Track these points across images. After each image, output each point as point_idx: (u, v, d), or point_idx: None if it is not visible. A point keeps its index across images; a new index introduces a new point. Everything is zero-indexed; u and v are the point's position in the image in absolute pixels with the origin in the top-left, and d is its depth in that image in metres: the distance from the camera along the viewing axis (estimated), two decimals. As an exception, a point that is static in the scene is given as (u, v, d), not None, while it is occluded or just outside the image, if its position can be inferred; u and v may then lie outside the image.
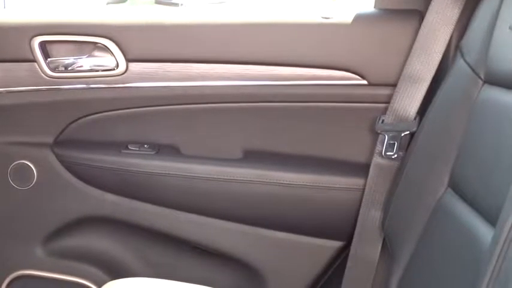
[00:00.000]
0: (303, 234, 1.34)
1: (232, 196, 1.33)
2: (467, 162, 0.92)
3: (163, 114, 1.35)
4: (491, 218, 0.77)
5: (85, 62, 1.33)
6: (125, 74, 1.32)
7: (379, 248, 1.24)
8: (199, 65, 1.30)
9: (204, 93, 1.32)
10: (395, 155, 1.19)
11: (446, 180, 0.97)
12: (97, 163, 1.37)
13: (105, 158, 1.37)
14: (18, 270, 1.48)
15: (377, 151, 1.22)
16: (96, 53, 1.33)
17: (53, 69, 1.34)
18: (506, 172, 0.76)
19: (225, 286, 1.37)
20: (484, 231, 0.78)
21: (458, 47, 1.09)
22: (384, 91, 1.24)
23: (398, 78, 1.19)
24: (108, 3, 2.41)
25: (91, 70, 1.33)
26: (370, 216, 1.23)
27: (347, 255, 1.28)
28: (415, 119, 1.17)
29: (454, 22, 1.13)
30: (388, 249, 1.17)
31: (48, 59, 1.33)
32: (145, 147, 1.37)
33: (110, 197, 1.39)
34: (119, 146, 1.37)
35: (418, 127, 1.15)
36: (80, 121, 1.38)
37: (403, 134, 1.19)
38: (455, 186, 0.94)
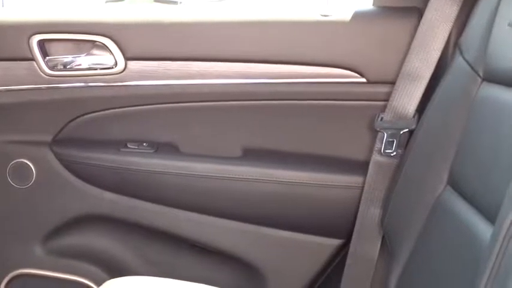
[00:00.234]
0: (303, 232, 1.34)
1: (232, 194, 1.33)
2: (466, 160, 0.92)
3: (162, 112, 1.35)
4: (491, 216, 0.77)
5: (84, 61, 1.33)
6: (124, 73, 1.32)
7: (379, 245, 1.24)
8: (199, 63, 1.30)
9: (204, 92, 1.32)
10: (395, 153, 1.19)
11: (445, 177, 0.97)
12: (96, 161, 1.37)
13: (104, 157, 1.37)
14: (17, 269, 1.48)
15: (376, 149, 1.22)
16: (94, 51, 1.32)
17: (52, 68, 1.33)
18: (505, 169, 0.76)
19: (225, 284, 1.37)
20: (483, 228, 0.78)
21: (457, 44, 1.09)
22: (383, 89, 1.24)
23: (397, 75, 1.19)
24: (106, 2, 2.41)
25: (90, 68, 1.33)
26: (370, 214, 1.23)
27: (346, 253, 1.28)
28: (414, 116, 1.17)
29: (453, 19, 1.13)
30: (387, 246, 1.17)
31: (47, 58, 1.33)
32: (144, 146, 1.37)
33: (109, 195, 1.39)
34: (118, 145, 1.37)
35: (417, 125, 1.15)
36: (78, 119, 1.38)
37: (402, 132, 1.19)
38: (454, 183, 0.94)
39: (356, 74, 1.26)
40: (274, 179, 1.30)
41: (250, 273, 1.39)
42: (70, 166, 1.40)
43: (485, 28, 0.97)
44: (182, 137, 1.37)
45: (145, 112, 1.36)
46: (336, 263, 1.37)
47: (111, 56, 1.31)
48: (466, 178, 0.90)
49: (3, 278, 1.48)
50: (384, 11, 1.27)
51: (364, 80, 1.26)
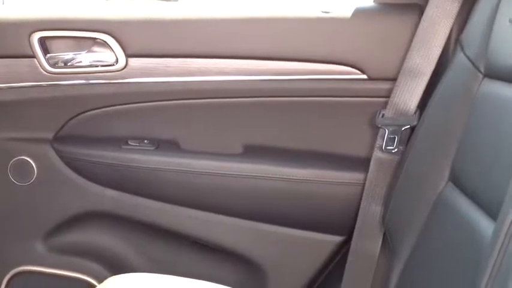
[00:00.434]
0: (304, 229, 1.34)
1: (233, 191, 1.33)
2: (468, 156, 0.91)
3: (163, 109, 1.35)
4: (492, 212, 0.76)
5: (84, 58, 1.33)
6: (125, 70, 1.32)
7: (380, 242, 1.24)
8: (199, 60, 1.30)
9: (204, 88, 1.32)
10: (396, 149, 1.19)
11: (446, 174, 0.97)
12: (97, 159, 1.37)
13: (105, 154, 1.37)
14: (19, 266, 1.48)
15: (377, 145, 1.21)
16: (95, 48, 1.32)
17: (53, 65, 1.33)
18: (506, 165, 0.76)
19: (226, 281, 1.37)
20: (484, 225, 0.78)
21: (458, 40, 1.09)
22: (384, 85, 1.24)
23: (399, 72, 1.19)
24: (107, -1, 2.41)
25: (91, 66, 1.33)
26: (371, 211, 1.23)
27: (348, 249, 1.28)
28: (415, 113, 1.17)
29: (454, 16, 1.13)
30: (388, 243, 1.17)
31: (48, 55, 1.33)
32: (145, 143, 1.37)
33: (110, 192, 1.40)
34: (119, 142, 1.37)
35: (418, 121, 1.15)
36: (79, 117, 1.38)
37: (403, 128, 1.18)
38: (455, 180, 0.94)
39: (357, 71, 1.26)
40: (276, 176, 1.30)
41: (252, 270, 1.39)
42: (71, 163, 1.40)
43: (487, 24, 0.97)
44: (183, 134, 1.37)
45: (146, 109, 1.36)
46: (337, 260, 1.37)
47: (112, 53, 1.31)
48: (468, 174, 0.90)
49: (5, 275, 1.48)
50: (385, 8, 1.27)
51: (365, 76, 1.26)
